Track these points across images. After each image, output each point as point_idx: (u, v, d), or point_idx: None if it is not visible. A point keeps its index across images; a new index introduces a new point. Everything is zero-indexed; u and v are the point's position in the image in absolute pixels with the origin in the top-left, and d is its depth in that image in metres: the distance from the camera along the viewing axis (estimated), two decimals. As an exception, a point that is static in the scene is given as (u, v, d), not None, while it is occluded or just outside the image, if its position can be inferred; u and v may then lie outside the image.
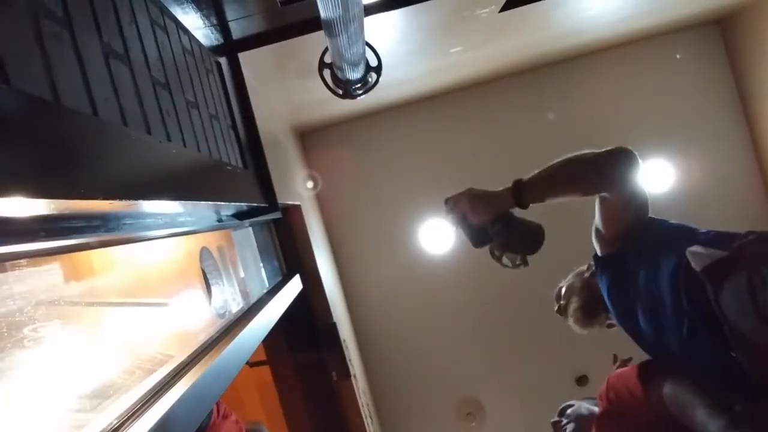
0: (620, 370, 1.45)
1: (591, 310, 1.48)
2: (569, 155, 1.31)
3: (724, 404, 1.10)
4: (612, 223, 1.34)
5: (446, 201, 1.41)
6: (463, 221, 1.38)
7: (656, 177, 3.75)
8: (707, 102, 3.80)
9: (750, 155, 3.81)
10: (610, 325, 1.50)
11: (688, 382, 1.19)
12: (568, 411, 1.55)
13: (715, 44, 3.77)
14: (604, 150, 1.29)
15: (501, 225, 1.34)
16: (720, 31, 3.76)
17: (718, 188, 3.77)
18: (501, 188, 1.35)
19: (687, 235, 1.26)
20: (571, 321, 1.53)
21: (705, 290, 1.11)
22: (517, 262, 1.39)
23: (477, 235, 1.38)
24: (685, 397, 1.17)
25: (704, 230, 1.26)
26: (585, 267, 1.55)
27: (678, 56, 3.73)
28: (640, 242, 1.30)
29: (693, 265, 1.14)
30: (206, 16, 1.24)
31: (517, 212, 1.36)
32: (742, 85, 3.74)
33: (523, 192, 1.30)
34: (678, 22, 3.61)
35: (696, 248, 1.17)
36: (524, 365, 3.82)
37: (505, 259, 1.39)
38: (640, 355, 1.43)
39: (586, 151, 1.31)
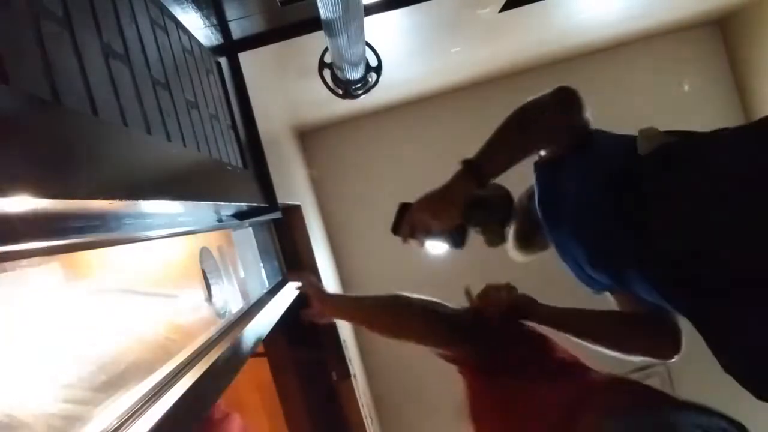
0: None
1: (526, 234, 1.34)
2: (510, 115, 1.21)
3: None
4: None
5: (397, 230, 1.22)
6: (432, 233, 1.22)
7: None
8: (707, 102, 3.80)
9: (750, 155, 3.81)
10: None
11: None
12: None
13: (715, 44, 3.77)
14: (544, 96, 1.19)
15: (476, 210, 1.21)
16: (720, 31, 3.76)
17: (718, 188, 3.77)
18: (445, 181, 1.21)
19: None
20: (510, 249, 1.38)
21: (638, 186, 0.96)
22: (503, 234, 1.30)
23: (455, 236, 1.24)
24: None
25: None
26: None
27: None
28: (585, 148, 1.16)
29: (639, 149, 0.99)
30: (206, 16, 1.24)
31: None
32: (742, 85, 3.74)
33: (480, 170, 1.18)
34: (678, 22, 3.62)
35: (650, 129, 1.02)
36: (524, 365, 3.82)
37: (506, 234, 1.30)
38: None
39: (524, 102, 1.22)
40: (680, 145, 0.99)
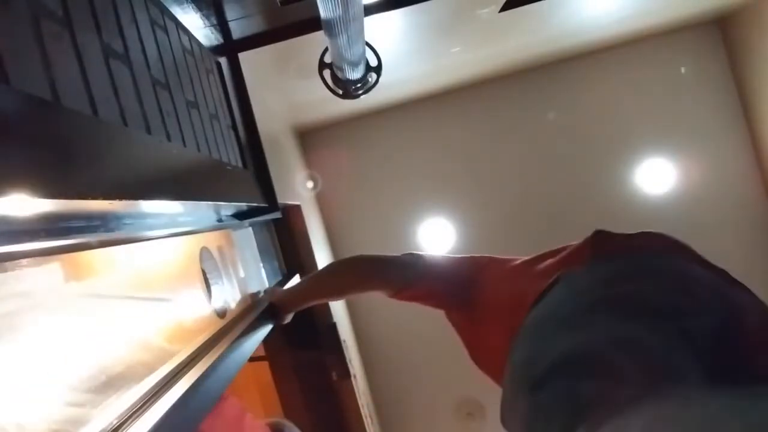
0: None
1: None
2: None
3: None
4: None
5: None
6: None
7: (656, 177, 3.75)
8: (707, 102, 3.80)
9: (750, 155, 3.81)
10: None
11: None
12: None
13: (715, 44, 3.77)
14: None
15: None
16: (720, 31, 3.76)
17: (718, 188, 3.77)
18: None
19: None
20: None
21: None
22: None
23: None
24: None
25: None
26: None
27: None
28: None
29: None
30: (206, 16, 1.24)
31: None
32: (742, 85, 3.74)
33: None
34: (678, 22, 3.62)
35: None
36: (524, 365, 3.81)
37: None
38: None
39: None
40: None
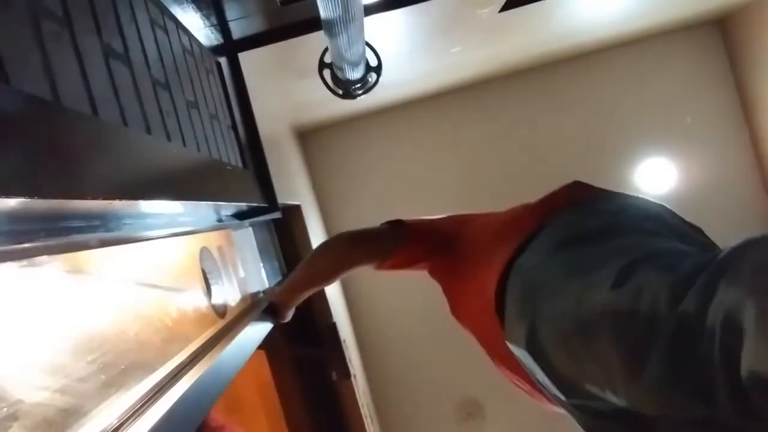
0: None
1: None
2: None
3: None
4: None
5: None
6: None
7: (656, 177, 3.75)
8: (707, 102, 3.80)
9: (750, 155, 3.81)
10: None
11: None
12: None
13: (715, 44, 3.77)
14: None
15: None
16: (720, 31, 3.76)
17: (718, 188, 3.77)
18: None
19: None
20: None
21: None
22: None
23: None
24: None
25: None
26: None
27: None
28: None
29: None
30: (206, 16, 1.24)
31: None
32: (742, 85, 3.74)
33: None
34: (678, 22, 3.62)
35: None
36: (524, 365, 3.81)
37: None
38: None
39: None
40: None
